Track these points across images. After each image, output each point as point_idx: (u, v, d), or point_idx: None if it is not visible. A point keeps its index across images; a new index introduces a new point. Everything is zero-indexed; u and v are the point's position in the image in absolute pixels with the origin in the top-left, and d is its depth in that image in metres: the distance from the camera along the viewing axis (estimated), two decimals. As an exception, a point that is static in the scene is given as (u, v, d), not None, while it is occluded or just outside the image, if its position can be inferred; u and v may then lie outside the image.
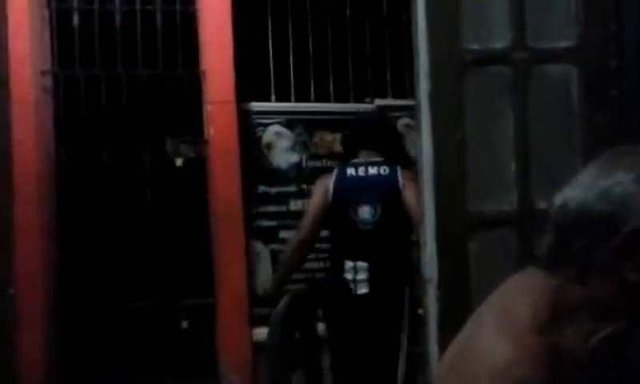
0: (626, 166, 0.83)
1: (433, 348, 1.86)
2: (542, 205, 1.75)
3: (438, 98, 1.69)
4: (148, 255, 3.30)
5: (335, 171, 2.79)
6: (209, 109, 3.31)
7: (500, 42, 1.70)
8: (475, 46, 1.69)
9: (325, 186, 2.69)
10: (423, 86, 1.70)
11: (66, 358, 3.12)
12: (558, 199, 0.87)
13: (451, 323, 1.88)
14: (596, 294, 0.82)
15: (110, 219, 3.26)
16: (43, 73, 2.99)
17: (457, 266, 1.79)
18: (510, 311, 0.85)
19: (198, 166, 3.35)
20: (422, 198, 1.76)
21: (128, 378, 3.14)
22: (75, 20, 3.11)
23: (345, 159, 2.88)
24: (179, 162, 3.33)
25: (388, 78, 3.77)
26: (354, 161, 2.76)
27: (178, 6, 3.22)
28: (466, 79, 1.69)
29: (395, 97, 3.79)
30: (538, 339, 0.81)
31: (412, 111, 3.87)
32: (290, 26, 3.58)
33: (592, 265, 0.82)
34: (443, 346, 1.88)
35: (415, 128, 3.83)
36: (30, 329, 2.79)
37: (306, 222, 2.70)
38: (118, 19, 3.18)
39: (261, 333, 3.43)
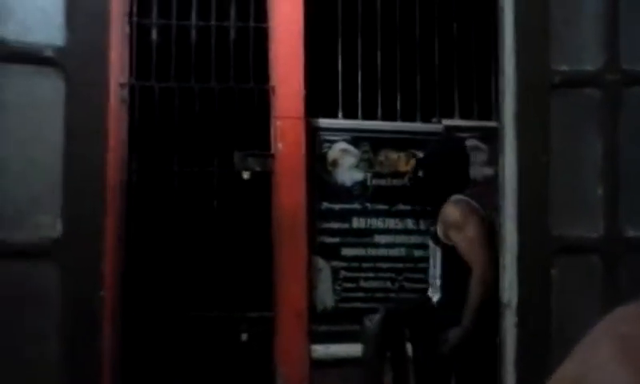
0: None
1: (509, 374, 1.81)
2: (631, 232, 1.69)
3: (524, 119, 1.66)
4: (212, 265, 3.34)
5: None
6: (277, 124, 3.36)
7: (591, 64, 1.66)
8: (564, 68, 1.65)
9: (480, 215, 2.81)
10: (509, 106, 1.68)
11: (128, 363, 3.19)
12: None
13: (529, 350, 1.83)
14: None
15: (177, 229, 3.33)
16: (121, 85, 3.09)
17: (537, 292, 1.74)
18: (631, 340, 0.82)
19: (265, 180, 3.39)
20: (504, 221, 1.73)
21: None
22: (153, 34, 3.21)
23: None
24: (246, 175, 3.37)
25: (456, 97, 3.74)
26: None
27: (251, 22, 3.29)
28: (553, 101, 1.65)
29: (463, 117, 3.75)
30: None
31: (479, 132, 3.86)
32: (359, 43, 3.60)
33: None
34: (521, 372, 1.82)
35: (482, 151, 3.80)
36: (108, 326, 2.87)
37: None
38: (193, 34, 3.27)
39: (319, 350, 3.42)
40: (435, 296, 2.53)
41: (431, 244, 2.90)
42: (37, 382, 1.35)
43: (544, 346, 1.78)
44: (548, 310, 1.72)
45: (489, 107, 3.71)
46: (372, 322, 0.93)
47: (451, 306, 2.50)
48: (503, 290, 1.77)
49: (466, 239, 2.71)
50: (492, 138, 3.72)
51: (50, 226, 1.37)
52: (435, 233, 2.87)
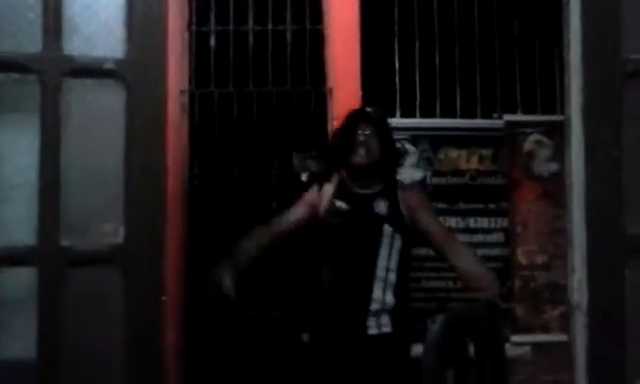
0: None
1: (581, 378, 1.73)
2: None
3: (593, 112, 1.58)
4: (273, 266, 3.36)
5: None
6: (335, 125, 3.34)
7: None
8: (637, 56, 1.57)
9: None
10: (575, 99, 1.61)
11: (192, 364, 3.25)
12: None
13: (601, 352, 1.74)
14: None
15: (237, 231, 3.37)
16: (181, 92, 3.15)
17: (610, 293, 1.66)
18: None
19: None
20: (572, 220, 1.66)
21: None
22: (212, 41, 3.26)
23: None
24: (305, 176, 3.38)
25: (518, 92, 3.62)
26: None
27: (307, 25, 3.29)
28: (625, 91, 1.57)
29: (525, 112, 3.63)
30: None
31: (543, 127, 3.73)
32: (416, 41, 3.54)
33: None
34: (593, 376, 1.74)
35: (547, 146, 3.67)
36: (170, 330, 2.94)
37: None
38: (250, 39, 3.30)
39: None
40: (386, 296, 2.40)
41: (387, 228, 2.50)
42: (102, 381, 1.38)
43: (617, 349, 1.69)
44: (621, 311, 1.64)
45: (553, 101, 3.58)
46: (434, 326, 0.90)
47: (404, 312, 2.44)
48: (572, 291, 1.69)
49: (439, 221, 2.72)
50: (556, 132, 3.59)
51: (113, 233, 1.41)
52: (393, 216, 2.53)
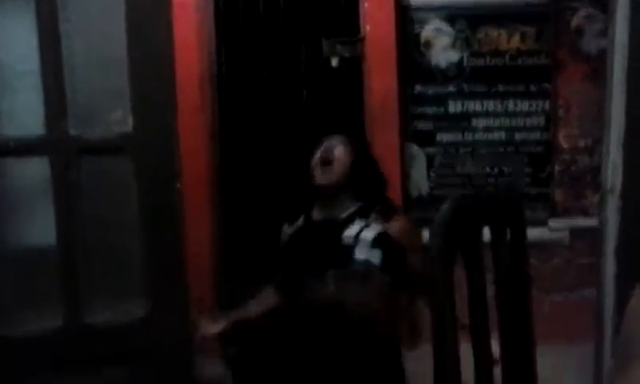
0: None
1: (609, 261, 1.68)
2: None
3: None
4: (303, 153, 3.33)
5: None
6: (365, 5, 3.17)
7: None
8: None
9: None
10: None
11: (229, 253, 3.33)
12: None
13: (632, 236, 1.68)
14: None
15: (267, 119, 3.33)
16: (204, -25, 3.02)
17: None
18: None
19: (354, 66, 3.26)
20: (610, 93, 1.54)
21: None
22: None
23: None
24: (335, 61, 3.26)
25: (565, -38, 3.34)
26: None
27: None
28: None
29: (573, -14, 3.36)
30: None
31: (591, 2, 3.46)
32: None
33: None
34: (621, 260, 1.69)
35: (598, 20, 3.41)
36: (197, 223, 3.00)
37: None
38: None
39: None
40: None
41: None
42: (120, 268, 1.41)
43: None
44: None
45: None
46: (443, 207, 0.85)
47: None
48: (605, 174, 1.61)
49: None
50: (609, 5, 3.32)
51: (122, 121, 1.38)
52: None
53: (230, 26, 3.22)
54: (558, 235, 3.51)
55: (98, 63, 1.41)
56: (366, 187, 1.81)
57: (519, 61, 3.41)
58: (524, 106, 3.42)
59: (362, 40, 3.21)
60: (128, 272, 1.45)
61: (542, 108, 3.41)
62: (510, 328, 1.15)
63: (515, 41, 3.41)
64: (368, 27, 3.19)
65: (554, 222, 3.50)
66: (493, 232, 1.13)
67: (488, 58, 3.41)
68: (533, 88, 3.41)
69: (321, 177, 1.78)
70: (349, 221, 1.75)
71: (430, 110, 3.39)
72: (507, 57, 3.41)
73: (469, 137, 3.41)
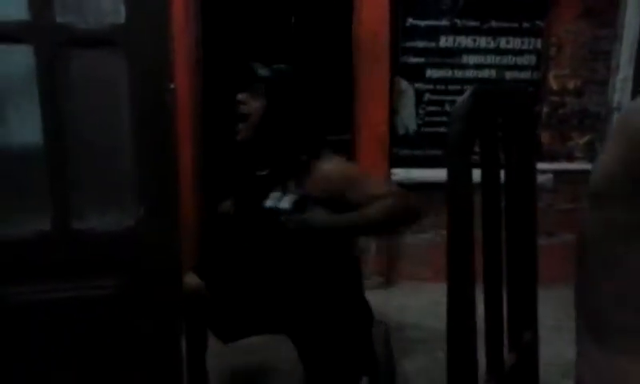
0: None
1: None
2: None
3: None
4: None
5: None
6: None
7: None
8: None
9: None
10: None
11: (206, 175, 3.25)
12: None
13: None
14: None
15: (254, 48, 3.21)
16: None
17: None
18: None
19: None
20: (624, 14, 1.48)
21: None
22: None
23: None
24: (325, -12, 3.14)
25: None
26: None
27: None
28: None
29: None
30: None
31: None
32: None
33: None
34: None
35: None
36: (182, 141, 2.90)
37: None
38: None
39: (400, 173, 3.35)
40: None
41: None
42: (110, 174, 1.33)
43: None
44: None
45: None
46: (462, 96, 0.81)
47: None
48: (613, 91, 1.56)
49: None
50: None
51: (113, 11, 1.27)
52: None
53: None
54: (541, 178, 3.51)
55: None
56: (278, 143, 1.71)
57: (513, -4, 3.33)
58: (516, 43, 3.36)
59: (354, -32, 3.09)
60: (118, 178, 1.36)
61: (534, 46, 3.36)
62: (515, 228, 1.14)
63: (509, -24, 3.33)
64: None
65: (539, 165, 3.49)
66: (505, 126, 1.09)
67: (483, -7, 3.32)
68: (526, 25, 3.34)
69: (239, 133, 1.72)
70: (267, 189, 1.70)
71: (420, 43, 3.31)
72: (500, -8, 3.33)
73: (459, 74, 3.35)
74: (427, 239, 3.45)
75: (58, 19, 1.25)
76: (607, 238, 0.75)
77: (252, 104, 1.74)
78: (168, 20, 1.34)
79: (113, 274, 1.37)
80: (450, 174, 0.89)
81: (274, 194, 1.71)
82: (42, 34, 1.22)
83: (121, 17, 1.28)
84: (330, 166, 1.70)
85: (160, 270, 1.40)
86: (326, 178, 1.66)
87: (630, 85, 1.49)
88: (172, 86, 1.28)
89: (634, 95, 1.48)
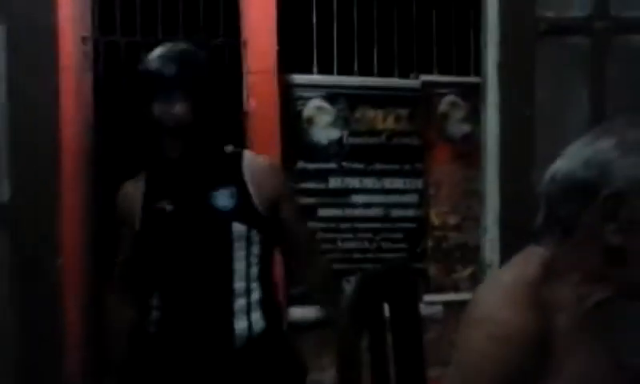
0: (611, 134, 0.87)
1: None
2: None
3: (508, 69, 1.57)
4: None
5: None
6: (249, 79, 3.21)
7: (579, 11, 1.56)
8: (550, 14, 1.56)
9: None
10: (491, 56, 1.58)
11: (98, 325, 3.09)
12: (548, 173, 0.94)
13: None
14: (583, 258, 0.87)
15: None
16: (84, 39, 2.91)
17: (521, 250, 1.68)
18: (504, 273, 0.98)
19: (238, 140, 3.26)
20: (485, 181, 1.65)
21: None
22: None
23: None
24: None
25: (434, 52, 3.63)
26: None
27: (220, -28, 3.12)
28: (538, 50, 1.56)
29: (441, 73, 3.65)
30: (526, 290, 0.87)
31: (458, 88, 3.76)
32: (334, -4, 3.46)
33: (576, 228, 0.87)
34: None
35: (461, 107, 3.71)
36: (73, 295, 2.76)
37: None
38: (159, -16, 3.09)
39: (296, 312, 3.35)
40: (253, 316, 1.57)
41: (238, 226, 1.56)
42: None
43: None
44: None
45: (467, 62, 3.61)
46: (349, 288, 0.86)
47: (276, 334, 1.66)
48: (484, 251, 1.70)
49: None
50: (470, 94, 3.62)
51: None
52: (242, 207, 1.58)
53: (110, 91, 3.11)
54: (432, 310, 3.64)
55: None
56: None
57: (394, 141, 3.60)
58: (399, 183, 3.59)
59: (246, 114, 3.23)
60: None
61: (416, 186, 3.60)
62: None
63: (390, 121, 3.62)
64: (252, 101, 3.22)
65: (428, 297, 3.64)
66: (391, 309, 1.15)
67: (365, 137, 3.57)
68: (407, 167, 3.60)
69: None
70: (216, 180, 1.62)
71: (311, 185, 3.46)
72: (383, 136, 3.59)
73: (349, 212, 3.51)
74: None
75: None
76: None
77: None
78: (57, 196, 1.33)
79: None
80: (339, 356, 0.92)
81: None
82: None
83: (5, 195, 1.27)
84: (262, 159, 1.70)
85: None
86: (264, 171, 1.63)
87: (497, 245, 1.64)
88: (60, 261, 1.26)
89: (503, 255, 1.63)
